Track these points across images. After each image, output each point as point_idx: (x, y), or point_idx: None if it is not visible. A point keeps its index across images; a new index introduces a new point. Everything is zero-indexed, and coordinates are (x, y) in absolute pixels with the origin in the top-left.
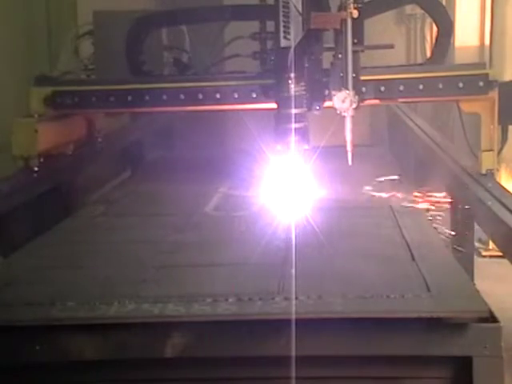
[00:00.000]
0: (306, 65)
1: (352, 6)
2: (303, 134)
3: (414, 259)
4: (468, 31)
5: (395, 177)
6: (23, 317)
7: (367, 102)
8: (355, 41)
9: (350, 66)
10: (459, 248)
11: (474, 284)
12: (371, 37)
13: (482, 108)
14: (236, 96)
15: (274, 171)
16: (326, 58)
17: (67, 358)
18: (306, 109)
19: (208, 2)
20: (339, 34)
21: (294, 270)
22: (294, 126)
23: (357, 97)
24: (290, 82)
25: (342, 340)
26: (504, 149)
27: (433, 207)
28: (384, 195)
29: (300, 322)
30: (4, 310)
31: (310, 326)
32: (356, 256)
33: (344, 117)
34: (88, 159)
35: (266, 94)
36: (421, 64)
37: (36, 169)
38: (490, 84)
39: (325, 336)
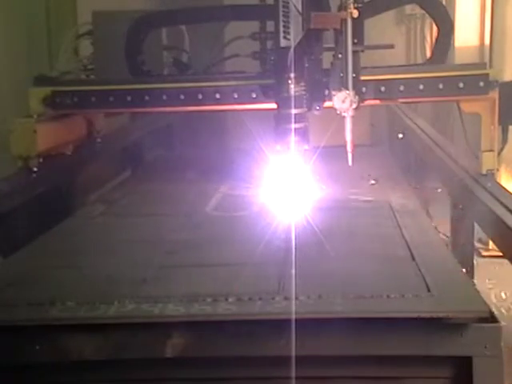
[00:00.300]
0: (306, 65)
1: (352, 5)
2: (303, 134)
3: (413, 259)
4: (468, 31)
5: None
6: (23, 317)
7: (367, 102)
8: (355, 41)
9: (350, 66)
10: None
11: (474, 284)
12: (371, 37)
13: (483, 108)
14: (236, 96)
15: (274, 171)
16: (326, 58)
17: (67, 358)
18: (305, 109)
19: (208, 1)
20: (339, 33)
21: (293, 270)
22: (293, 126)
23: (357, 97)
24: (289, 82)
25: (342, 340)
26: (504, 149)
27: None
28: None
29: (300, 322)
30: (4, 310)
31: (309, 325)
32: (356, 256)
33: (344, 117)
34: (87, 159)
35: (265, 94)
36: (421, 64)
37: (35, 169)
38: (490, 84)
39: (325, 336)
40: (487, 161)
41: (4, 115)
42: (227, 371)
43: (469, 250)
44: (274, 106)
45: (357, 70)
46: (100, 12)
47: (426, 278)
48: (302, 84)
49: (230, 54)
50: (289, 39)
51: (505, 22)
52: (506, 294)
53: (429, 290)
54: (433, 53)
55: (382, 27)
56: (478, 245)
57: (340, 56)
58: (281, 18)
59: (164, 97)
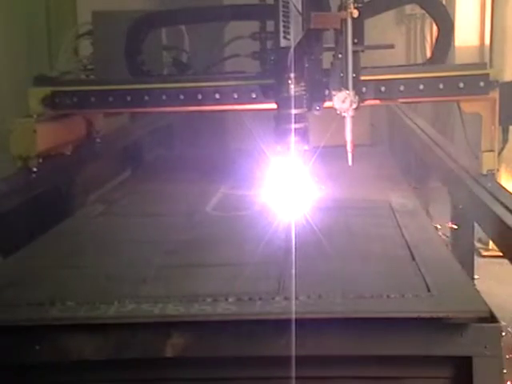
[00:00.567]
0: (306, 65)
1: (352, 5)
2: (303, 134)
3: (413, 259)
4: (468, 31)
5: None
6: (23, 317)
7: (367, 103)
8: (355, 41)
9: (350, 66)
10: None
11: (474, 284)
12: (371, 37)
13: (483, 108)
14: (236, 96)
15: (274, 171)
16: (326, 58)
17: (67, 358)
18: (305, 109)
19: (208, 1)
20: (339, 33)
21: (294, 270)
22: (293, 126)
23: (357, 97)
24: (289, 82)
25: (342, 340)
26: (504, 149)
27: None
28: None
29: (300, 322)
30: (4, 310)
31: (309, 325)
32: (356, 256)
33: (344, 117)
34: (87, 159)
35: (265, 94)
36: (421, 64)
37: (35, 169)
38: (490, 84)
39: (325, 336)
40: (487, 161)
41: (4, 115)
42: (227, 371)
43: (469, 250)
44: (273, 106)
45: (357, 70)
46: (100, 12)
47: (426, 277)
48: (302, 84)
49: (229, 54)
50: (289, 39)
51: (505, 22)
52: None
53: (429, 290)
54: (433, 53)
55: (382, 27)
56: (478, 245)
57: (340, 56)
58: (281, 17)
59: (164, 97)
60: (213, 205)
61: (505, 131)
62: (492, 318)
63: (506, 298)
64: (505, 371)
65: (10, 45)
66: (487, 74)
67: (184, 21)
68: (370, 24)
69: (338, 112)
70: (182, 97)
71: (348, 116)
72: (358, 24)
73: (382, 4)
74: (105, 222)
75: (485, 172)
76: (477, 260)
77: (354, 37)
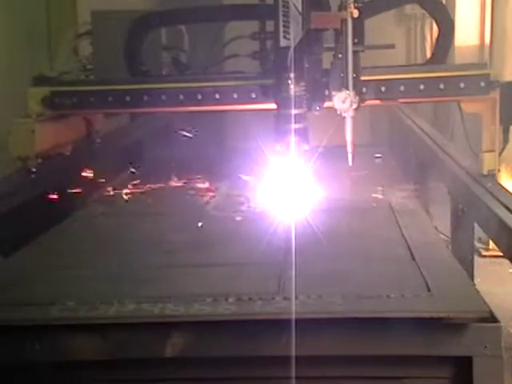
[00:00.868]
0: (306, 65)
1: (352, 5)
2: (303, 134)
3: (413, 259)
4: (468, 31)
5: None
6: (23, 317)
7: (368, 103)
8: (355, 41)
9: (350, 66)
10: None
11: (474, 284)
12: (371, 37)
13: (484, 108)
14: (235, 96)
15: (274, 171)
16: (326, 58)
17: (67, 358)
18: (306, 109)
19: (207, 1)
20: (339, 33)
21: (293, 270)
22: (293, 126)
23: (357, 97)
24: (289, 82)
25: (342, 340)
26: (505, 149)
27: None
28: None
29: (300, 322)
30: (4, 310)
31: (309, 326)
32: (356, 256)
33: (344, 117)
34: (87, 159)
35: (265, 94)
36: (422, 64)
37: (34, 169)
38: (491, 84)
39: (325, 336)
40: (488, 161)
41: (3, 115)
42: (227, 371)
43: (469, 250)
44: (273, 106)
45: (357, 70)
46: (99, 12)
47: (426, 278)
48: (302, 84)
49: (229, 53)
50: (289, 39)
51: (505, 22)
52: None
53: (429, 290)
54: (433, 53)
55: (382, 27)
56: (478, 245)
57: (340, 56)
58: (281, 17)
59: (163, 97)
60: (213, 205)
61: (505, 131)
62: (492, 318)
63: (506, 297)
64: None
65: (10, 45)
66: (488, 74)
67: (183, 21)
68: (370, 24)
69: (338, 112)
70: (181, 97)
71: (348, 116)
72: (358, 24)
73: (382, 4)
74: (105, 222)
75: (485, 172)
76: (477, 260)
77: (354, 37)
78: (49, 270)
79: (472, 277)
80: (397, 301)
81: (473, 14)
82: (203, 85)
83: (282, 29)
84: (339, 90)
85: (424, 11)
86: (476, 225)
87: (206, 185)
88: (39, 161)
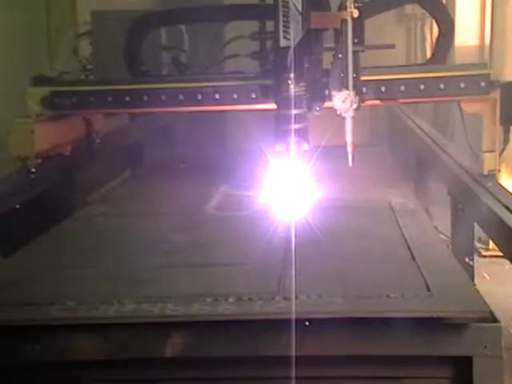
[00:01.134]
0: (306, 65)
1: (352, 5)
2: (303, 134)
3: (413, 259)
4: (468, 31)
5: None
6: (23, 317)
7: (368, 103)
8: (355, 41)
9: (350, 66)
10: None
11: (474, 284)
12: (371, 37)
13: (484, 108)
14: (235, 96)
15: (274, 171)
16: (326, 58)
17: (67, 358)
18: (305, 109)
19: (207, 1)
20: (339, 33)
21: (293, 270)
22: (293, 126)
23: (357, 97)
24: (289, 82)
25: (342, 340)
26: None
27: None
28: None
29: (300, 322)
30: (4, 310)
31: (310, 325)
32: (356, 256)
33: (344, 117)
34: (86, 160)
35: (265, 94)
36: (422, 64)
37: (33, 170)
38: (491, 84)
39: (325, 336)
40: (489, 161)
41: (3, 115)
42: (227, 371)
43: (469, 250)
44: (273, 106)
45: (357, 70)
46: (99, 12)
47: (426, 278)
48: (302, 84)
49: (229, 54)
50: (289, 39)
51: (505, 22)
52: None
53: (429, 290)
54: (434, 53)
55: (382, 27)
56: (478, 245)
57: (340, 56)
58: (281, 17)
59: (163, 97)
60: (213, 205)
61: (506, 131)
62: (492, 318)
63: (506, 297)
64: None
65: (10, 45)
66: (488, 74)
67: (183, 21)
68: (370, 24)
69: (338, 112)
70: (181, 97)
71: (348, 116)
72: (358, 24)
73: (382, 4)
74: (105, 222)
75: (486, 172)
76: (477, 260)
77: (354, 37)
78: (49, 269)
79: (472, 277)
80: (397, 301)
81: (473, 14)
82: (203, 85)
83: (281, 29)
84: (339, 90)
85: (424, 11)
86: (476, 225)
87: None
88: (39, 161)
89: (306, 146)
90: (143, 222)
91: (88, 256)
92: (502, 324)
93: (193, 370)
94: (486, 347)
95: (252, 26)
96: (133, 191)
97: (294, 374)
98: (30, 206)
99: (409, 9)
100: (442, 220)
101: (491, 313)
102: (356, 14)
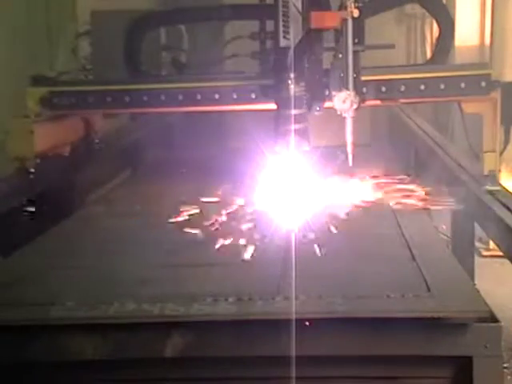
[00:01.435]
0: (306, 65)
1: (353, 5)
2: (303, 134)
3: (414, 259)
4: (468, 31)
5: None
6: (23, 317)
7: (368, 103)
8: (356, 40)
9: (350, 66)
10: None
11: (474, 284)
12: (371, 36)
13: (484, 108)
14: (235, 96)
15: (274, 172)
16: (326, 58)
17: (67, 358)
18: (306, 109)
19: (207, 1)
20: (339, 33)
21: (293, 270)
22: (293, 126)
23: (357, 97)
24: (289, 82)
25: (342, 340)
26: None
27: None
28: None
29: (300, 322)
30: (4, 310)
31: (310, 325)
32: (356, 256)
33: (344, 118)
34: (86, 160)
35: (265, 94)
36: (422, 64)
37: (32, 170)
38: (492, 84)
39: (325, 336)
40: (489, 161)
41: (3, 115)
42: (227, 371)
43: (469, 250)
44: (273, 106)
45: (357, 70)
46: (98, 11)
47: (426, 277)
48: (302, 84)
49: (229, 53)
50: (288, 39)
51: (505, 22)
52: None
53: (429, 290)
54: (434, 53)
55: (382, 27)
56: (478, 245)
57: (340, 56)
58: (280, 17)
59: (162, 97)
60: None
61: (507, 132)
62: (492, 318)
63: (506, 297)
64: None
65: (10, 45)
66: (489, 74)
67: (183, 20)
68: (370, 23)
69: (339, 113)
70: (180, 97)
71: (348, 117)
72: (359, 23)
73: (382, 3)
74: (105, 221)
75: (486, 173)
76: (477, 260)
77: (354, 36)
78: (49, 269)
79: (472, 277)
80: (397, 301)
81: (473, 14)
82: (203, 85)
83: (281, 29)
84: (339, 90)
85: (424, 11)
86: (476, 225)
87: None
88: (37, 161)
89: (306, 147)
90: (143, 221)
91: (88, 256)
92: (502, 324)
93: (193, 369)
94: (486, 347)
95: (252, 25)
96: (132, 191)
97: (293, 374)
98: (30, 206)
99: (409, 8)
100: (442, 220)
101: (491, 313)
102: (356, 13)
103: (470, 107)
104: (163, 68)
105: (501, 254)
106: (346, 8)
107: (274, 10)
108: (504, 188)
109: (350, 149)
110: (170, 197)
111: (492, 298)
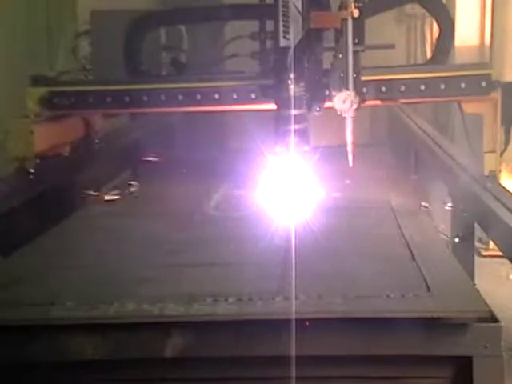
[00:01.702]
0: (306, 65)
1: (353, 5)
2: (303, 135)
3: (414, 259)
4: (468, 31)
5: None
6: (23, 317)
7: (368, 103)
8: (356, 41)
9: (350, 66)
10: None
11: (474, 284)
12: (371, 36)
13: (485, 109)
14: (235, 96)
15: (274, 172)
16: (326, 58)
17: (67, 358)
18: (306, 110)
19: (207, 1)
20: (340, 33)
21: (293, 270)
22: (293, 127)
23: (357, 97)
24: (289, 82)
25: (342, 340)
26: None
27: None
28: None
29: (300, 322)
30: (4, 310)
31: (310, 325)
32: (356, 256)
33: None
34: (86, 160)
35: (265, 94)
36: (422, 64)
37: (32, 170)
38: (492, 84)
39: (325, 336)
40: (489, 161)
41: (2, 115)
42: (227, 371)
43: (469, 250)
44: (273, 106)
45: (357, 70)
46: (98, 11)
47: (426, 277)
48: (302, 84)
49: (229, 53)
50: (288, 39)
51: (505, 22)
52: None
53: (429, 290)
54: (434, 53)
55: (382, 27)
56: (478, 245)
57: (340, 56)
58: (280, 17)
59: (162, 97)
60: (213, 205)
61: (507, 132)
62: (492, 318)
63: (506, 297)
64: None
65: (10, 45)
66: (489, 74)
67: (183, 20)
68: (370, 23)
69: (339, 113)
70: (180, 97)
71: (348, 117)
72: (359, 24)
73: (382, 3)
74: (105, 221)
75: (487, 173)
76: (477, 260)
77: (354, 36)
78: (49, 269)
79: (472, 277)
80: (397, 301)
81: (473, 14)
82: (203, 85)
83: (281, 29)
84: (339, 90)
85: (424, 11)
86: (476, 225)
87: None
88: (37, 161)
89: (306, 147)
90: (143, 221)
91: (88, 256)
92: (502, 324)
93: (193, 370)
94: (486, 347)
95: (252, 25)
96: (132, 191)
97: (294, 374)
98: (30, 206)
99: (409, 8)
100: (442, 220)
101: (491, 313)
102: (356, 13)
103: (470, 107)
104: (163, 68)
105: (501, 254)
106: (346, 8)
107: (273, 10)
108: (504, 188)
109: (350, 149)
110: (170, 197)
111: (492, 298)
